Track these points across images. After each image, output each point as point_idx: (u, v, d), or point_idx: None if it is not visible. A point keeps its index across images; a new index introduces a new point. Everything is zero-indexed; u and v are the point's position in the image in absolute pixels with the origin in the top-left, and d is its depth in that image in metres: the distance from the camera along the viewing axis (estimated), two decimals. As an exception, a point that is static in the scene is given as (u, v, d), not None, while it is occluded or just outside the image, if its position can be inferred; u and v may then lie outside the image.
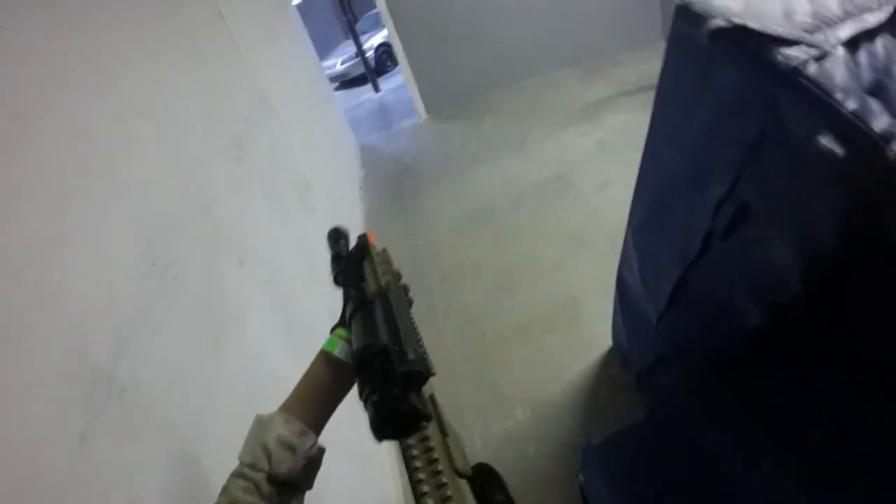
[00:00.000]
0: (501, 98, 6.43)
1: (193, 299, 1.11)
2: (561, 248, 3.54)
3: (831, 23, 1.20)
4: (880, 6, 1.28)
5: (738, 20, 1.16)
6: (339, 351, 0.66)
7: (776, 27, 1.11)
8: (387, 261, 0.72)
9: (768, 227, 1.21)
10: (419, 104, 6.53)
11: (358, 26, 10.12)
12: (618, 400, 2.34)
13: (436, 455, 0.47)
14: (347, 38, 10.40)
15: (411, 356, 0.49)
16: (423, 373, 0.48)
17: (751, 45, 1.13)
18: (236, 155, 1.77)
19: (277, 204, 2.08)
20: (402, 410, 0.46)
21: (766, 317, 1.27)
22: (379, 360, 0.49)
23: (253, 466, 0.58)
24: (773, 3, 1.37)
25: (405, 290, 0.69)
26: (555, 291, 3.17)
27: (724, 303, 1.43)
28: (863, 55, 1.13)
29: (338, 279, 0.71)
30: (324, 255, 0.78)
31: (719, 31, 1.19)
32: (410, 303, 0.68)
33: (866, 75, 1.09)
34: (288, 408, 0.64)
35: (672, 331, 1.74)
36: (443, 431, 0.50)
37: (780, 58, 1.07)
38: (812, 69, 1.04)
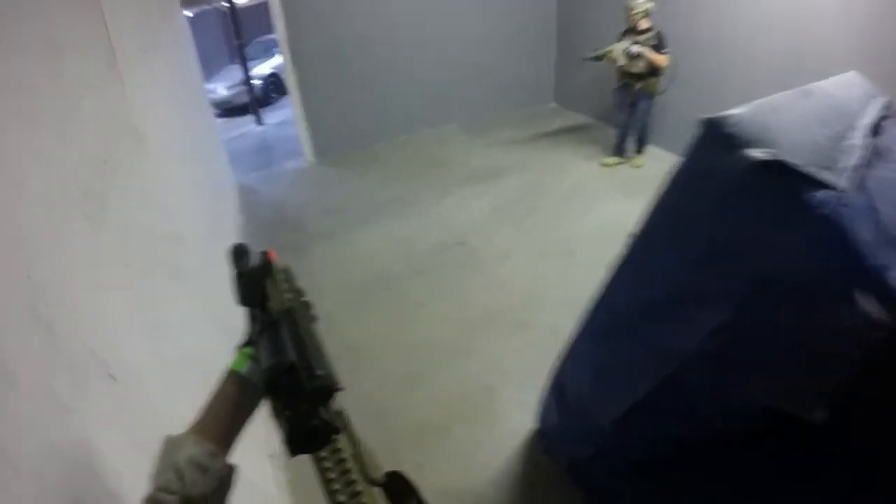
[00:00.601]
0: (393, 148, 6.16)
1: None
2: (468, 326, 3.26)
3: (849, 150, 1.18)
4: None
5: (777, 156, 1.09)
6: (246, 370, 0.66)
7: (809, 166, 1.08)
8: (289, 279, 0.74)
9: (757, 365, 1.26)
10: (306, 145, 5.98)
11: (246, 51, 9.44)
12: (547, 488, 2.28)
13: (349, 465, 0.48)
14: (234, 62, 9.55)
15: (319, 372, 0.51)
16: (331, 387, 0.51)
17: (783, 183, 1.11)
18: (86, 214, 1.21)
19: (146, 282, 1.51)
20: (313, 424, 0.49)
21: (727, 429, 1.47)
22: (288, 378, 0.51)
23: (167, 489, 0.56)
24: (796, 125, 1.29)
25: (308, 306, 0.70)
26: (466, 379, 2.86)
27: (691, 415, 1.52)
28: (873, 182, 1.14)
29: (242, 299, 0.72)
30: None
31: (756, 164, 1.11)
32: (315, 319, 0.69)
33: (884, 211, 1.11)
34: (198, 428, 0.63)
35: (627, 433, 1.75)
36: (353, 442, 0.52)
37: (810, 201, 1.06)
38: (839, 215, 1.04)
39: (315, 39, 5.56)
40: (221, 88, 9.23)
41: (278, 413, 0.50)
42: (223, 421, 0.65)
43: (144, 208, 1.80)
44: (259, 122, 8.32)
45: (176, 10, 4.71)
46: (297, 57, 5.57)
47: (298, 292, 0.72)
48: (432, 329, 3.27)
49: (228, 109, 9.40)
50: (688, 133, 1.41)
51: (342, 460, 0.49)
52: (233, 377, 0.66)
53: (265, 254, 0.75)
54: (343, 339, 3.17)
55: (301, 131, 5.92)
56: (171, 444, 0.61)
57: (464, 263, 3.88)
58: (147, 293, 1.47)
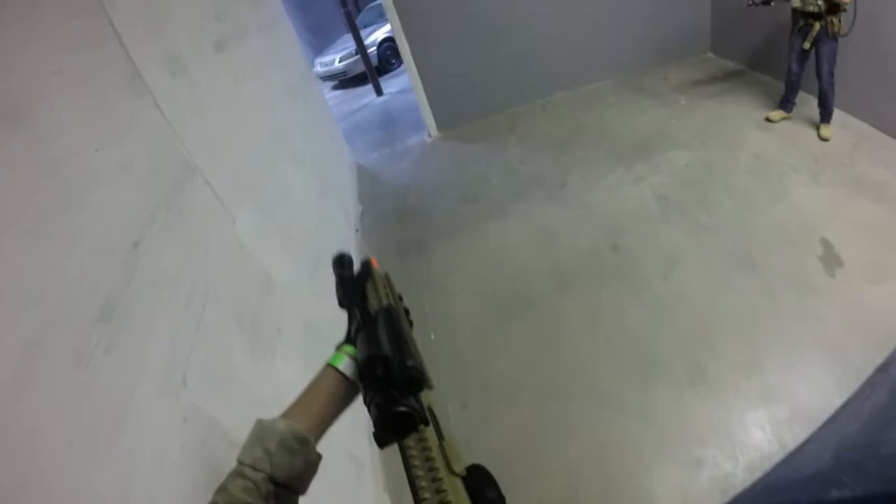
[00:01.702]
0: (528, 116, 5.34)
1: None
2: (622, 368, 2.54)
3: None
4: None
5: None
6: (343, 366, 0.69)
7: None
8: (389, 284, 0.77)
9: None
10: (429, 119, 5.47)
11: (359, 18, 9.07)
12: None
13: (433, 455, 0.50)
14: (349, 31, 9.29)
15: (410, 363, 0.54)
16: (421, 379, 0.54)
17: None
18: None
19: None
20: (401, 411, 0.51)
21: None
22: (381, 369, 0.55)
23: (253, 467, 0.60)
24: None
25: (406, 312, 0.74)
26: (615, 442, 2.20)
27: None
28: None
29: (342, 301, 0.76)
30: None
31: None
32: (411, 324, 0.72)
33: None
34: (290, 415, 0.67)
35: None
36: (439, 435, 0.54)
37: None
38: None
39: (424, 1, 4.93)
40: (336, 60, 8.99)
41: (370, 400, 0.53)
42: (316, 411, 0.68)
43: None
44: (379, 92, 7.96)
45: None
46: (407, 21, 4.97)
47: (398, 297, 0.75)
48: (578, 368, 2.59)
49: (346, 80, 9.19)
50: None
51: (427, 449, 0.50)
52: (329, 371, 0.69)
53: (367, 260, 0.80)
54: (470, 375, 2.64)
55: (421, 103, 5.40)
56: (263, 427, 0.63)
57: (620, 275, 3.09)
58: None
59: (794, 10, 3.75)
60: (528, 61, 5.38)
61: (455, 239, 3.76)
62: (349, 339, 0.71)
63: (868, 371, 2.28)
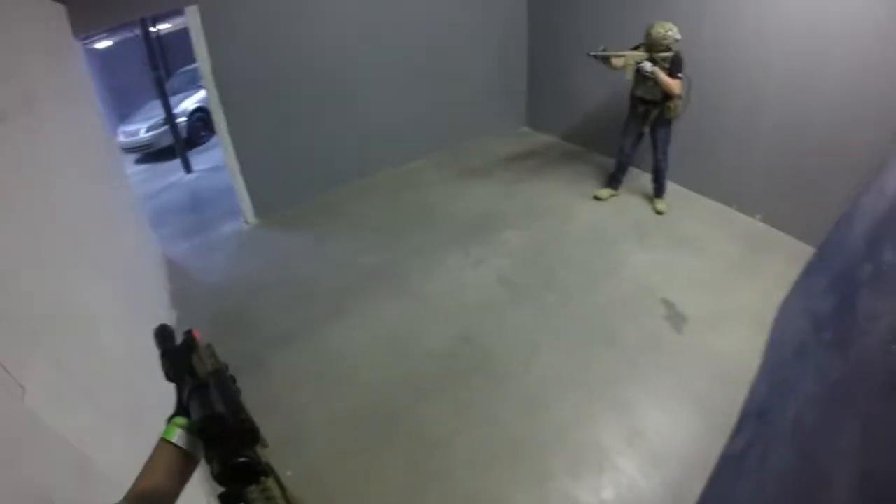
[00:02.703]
0: (354, 198, 5.07)
1: None
2: (510, 472, 2.32)
3: None
4: None
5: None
6: (176, 438, 0.68)
7: None
8: (213, 354, 0.78)
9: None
10: (245, 202, 4.83)
11: (169, 83, 8.15)
12: None
13: (278, 502, 0.55)
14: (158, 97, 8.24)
15: (244, 416, 0.58)
16: (255, 430, 0.58)
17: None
18: None
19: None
20: (242, 462, 0.54)
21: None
22: (218, 426, 0.57)
23: None
24: None
25: (233, 379, 0.74)
26: None
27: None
28: None
29: (169, 374, 0.75)
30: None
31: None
32: (239, 391, 0.71)
33: None
34: (131, 496, 0.65)
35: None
36: (281, 486, 0.58)
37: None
38: None
39: (246, 70, 4.42)
40: (142, 130, 7.88)
41: (211, 457, 0.54)
42: (157, 488, 0.66)
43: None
44: (188, 168, 7.06)
45: (66, 46, 3.51)
46: (225, 92, 4.40)
47: (224, 365, 0.76)
48: (463, 483, 2.30)
49: (154, 153, 8.08)
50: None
51: (271, 499, 0.54)
52: (164, 446, 0.69)
53: (189, 332, 0.81)
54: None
55: (237, 184, 4.76)
56: None
57: (481, 371, 2.90)
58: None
59: (633, 97, 4.07)
60: (351, 139, 5.18)
61: (292, 350, 3.22)
62: (179, 410, 0.72)
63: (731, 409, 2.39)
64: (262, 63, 4.44)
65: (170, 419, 0.71)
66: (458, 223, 4.34)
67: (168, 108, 7.16)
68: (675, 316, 3.20)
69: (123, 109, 8.87)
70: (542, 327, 3.17)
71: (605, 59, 3.90)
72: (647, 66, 3.80)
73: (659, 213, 4.34)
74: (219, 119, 4.51)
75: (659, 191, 4.41)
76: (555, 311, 3.30)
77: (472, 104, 5.81)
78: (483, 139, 5.95)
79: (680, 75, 3.79)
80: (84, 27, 3.78)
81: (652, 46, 3.81)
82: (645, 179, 4.52)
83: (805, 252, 3.74)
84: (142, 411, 1.94)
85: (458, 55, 5.49)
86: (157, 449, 0.69)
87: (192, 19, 4.06)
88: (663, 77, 3.77)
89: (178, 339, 0.82)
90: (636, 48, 3.92)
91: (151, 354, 0.87)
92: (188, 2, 4.00)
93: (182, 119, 7.74)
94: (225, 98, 4.42)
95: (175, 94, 8.00)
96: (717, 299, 3.29)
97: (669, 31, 3.74)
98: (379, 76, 5.08)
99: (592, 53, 3.92)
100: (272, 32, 4.41)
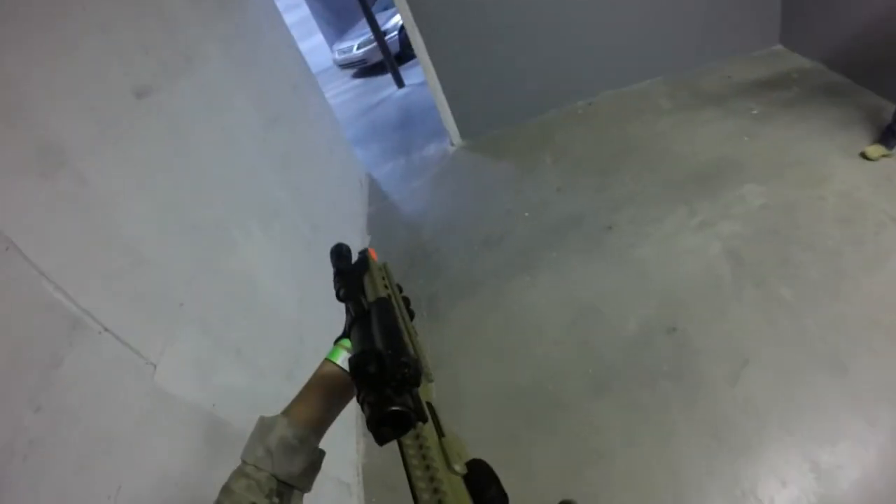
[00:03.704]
0: (567, 125, 4.52)
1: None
2: None
3: None
4: None
5: None
6: (341, 360, 0.70)
7: None
8: (387, 275, 0.76)
9: None
10: (450, 125, 4.70)
11: (379, 1, 8.27)
12: None
13: (432, 453, 0.48)
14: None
15: (404, 359, 0.51)
16: (416, 375, 0.51)
17: None
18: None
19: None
20: (394, 410, 0.48)
21: None
22: (374, 366, 0.51)
23: (256, 466, 0.61)
24: None
25: (406, 301, 0.73)
26: None
27: None
28: None
29: (339, 294, 0.73)
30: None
31: None
32: (412, 315, 0.71)
33: None
34: (290, 412, 0.67)
35: None
36: (439, 432, 0.52)
37: None
38: None
39: None
40: (355, 47, 8.20)
41: (363, 399, 0.51)
42: (315, 407, 0.68)
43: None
44: (400, 83, 7.19)
45: None
46: (419, 10, 4.17)
47: (396, 287, 0.75)
48: None
49: (367, 69, 8.42)
50: None
51: (425, 447, 0.48)
52: (327, 366, 0.70)
53: (365, 251, 0.79)
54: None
55: (440, 106, 4.64)
56: (264, 425, 0.64)
57: (674, 377, 2.36)
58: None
59: None
60: (565, 55, 4.53)
61: (472, 300, 3.08)
62: (346, 334, 0.71)
63: None
64: None
65: (337, 340, 0.73)
66: (685, 168, 3.57)
67: (375, 25, 7.24)
68: None
69: (341, 25, 9.32)
70: (764, 331, 2.43)
71: None
72: None
73: None
74: (415, 39, 4.33)
75: None
76: (784, 311, 2.48)
77: (711, 13, 4.67)
78: (724, 59, 4.78)
79: None
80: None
81: None
82: None
83: None
84: (301, 358, 1.98)
85: None
86: (319, 369, 0.71)
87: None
88: None
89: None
90: None
91: (324, 295, 0.83)
92: None
93: (393, 35, 7.82)
94: (420, 16, 4.20)
95: (385, 9, 8.07)
96: None
97: None
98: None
99: None
100: None
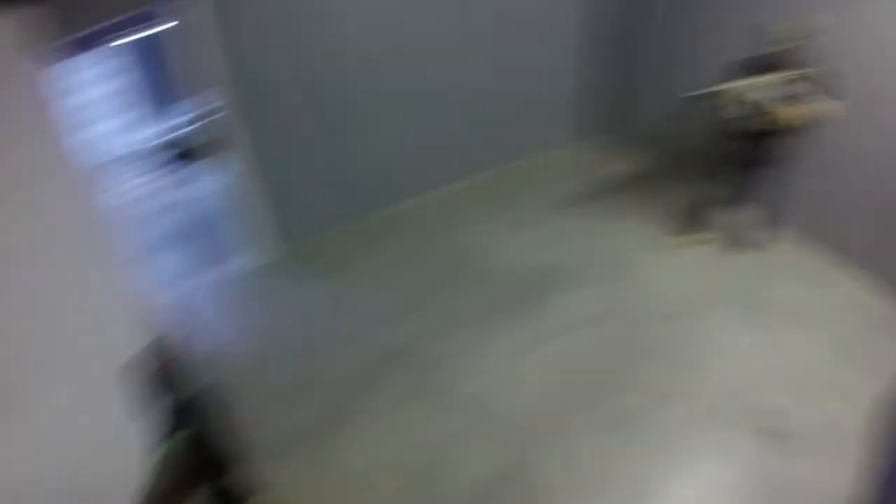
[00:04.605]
0: (380, 232, 4.31)
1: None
2: None
3: None
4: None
5: None
6: (166, 458, 0.80)
7: None
8: (192, 376, 0.85)
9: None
10: (263, 229, 4.16)
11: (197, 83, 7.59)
12: None
13: None
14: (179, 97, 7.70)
15: (209, 448, 0.68)
16: (222, 465, 0.75)
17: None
18: None
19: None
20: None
21: None
22: (185, 461, 0.66)
23: None
24: None
25: (217, 401, 0.77)
26: None
27: None
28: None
29: (153, 396, 0.83)
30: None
31: None
32: (224, 411, 0.79)
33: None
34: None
35: None
36: None
37: None
38: None
39: (258, 75, 3.73)
40: (173, 128, 7.39)
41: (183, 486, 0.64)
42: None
43: None
44: (212, 173, 6.48)
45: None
46: (243, 95, 3.72)
47: (204, 388, 0.81)
48: None
49: (184, 154, 7.57)
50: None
51: None
52: (159, 462, 0.76)
53: (167, 353, 0.87)
54: None
55: (252, 208, 4.08)
56: None
57: None
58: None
59: (745, 124, 3.09)
60: (377, 159, 4.42)
61: (292, 465, 2.51)
62: (166, 432, 0.83)
63: None
64: (277, 66, 3.74)
65: (160, 439, 0.79)
66: (505, 281, 3.53)
67: (190, 109, 6.57)
68: (780, 432, 2.35)
69: (155, 107, 8.42)
70: (623, 450, 2.37)
71: (713, 98, 2.94)
72: (802, 89, 2.82)
73: (760, 266, 3.43)
74: (233, 124, 3.82)
75: (764, 236, 3.50)
76: (636, 422, 2.48)
77: (521, 113, 4.94)
78: (536, 155, 5.09)
79: (837, 96, 2.83)
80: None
81: (786, 57, 2.84)
82: (744, 220, 3.60)
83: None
84: None
85: (505, 55, 4.62)
86: (152, 466, 0.77)
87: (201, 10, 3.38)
88: (822, 104, 2.82)
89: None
90: (754, 63, 2.96)
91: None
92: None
93: (206, 120, 7.16)
94: (241, 103, 3.74)
95: (202, 91, 7.44)
96: (832, 401, 2.49)
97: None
98: (408, 84, 4.28)
99: (692, 95, 2.97)
100: (292, 33, 3.68)
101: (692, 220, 3.72)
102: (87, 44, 4.56)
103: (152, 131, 7.67)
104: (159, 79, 7.98)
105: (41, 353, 1.82)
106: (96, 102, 7.72)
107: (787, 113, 2.88)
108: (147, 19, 4.28)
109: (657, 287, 3.32)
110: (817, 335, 2.85)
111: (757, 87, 2.90)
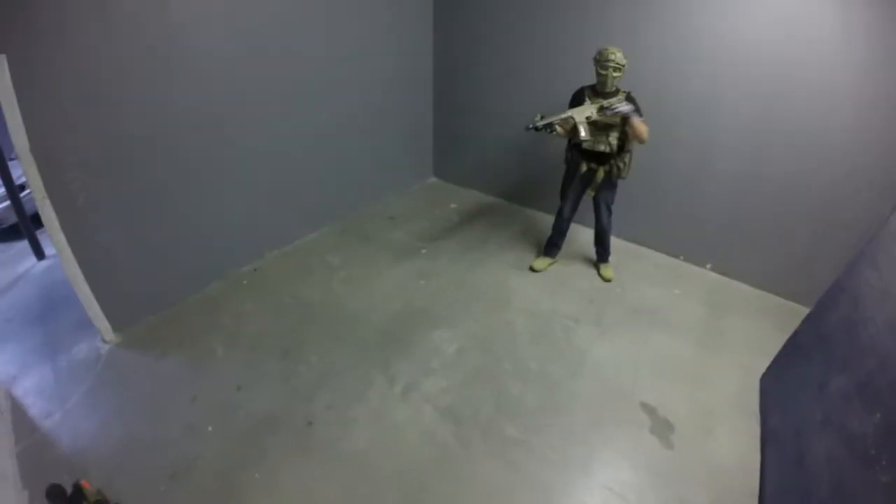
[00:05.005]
0: (235, 297, 4.06)
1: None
2: None
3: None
4: None
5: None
6: None
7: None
8: (103, 496, 0.79)
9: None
10: (97, 314, 3.72)
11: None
12: None
13: None
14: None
15: None
16: None
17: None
18: None
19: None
20: None
21: None
22: None
23: None
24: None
25: None
26: None
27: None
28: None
29: None
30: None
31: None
32: None
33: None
34: None
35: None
36: None
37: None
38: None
39: (79, 145, 3.33)
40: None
41: None
42: None
43: None
44: (39, 254, 5.74)
45: None
46: (51, 174, 3.29)
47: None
48: None
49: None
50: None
51: None
52: None
53: (77, 482, 0.76)
54: None
55: (82, 293, 3.66)
56: None
57: None
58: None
59: (578, 152, 3.39)
60: (225, 218, 4.19)
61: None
62: None
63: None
64: (101, 132, 3.37)
65: None
66: (370, 329, 3.48)
67: (8, 180, 5.78)
68: (662, 425, 2.59)
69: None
70: (512, 476, 2.42)
71: (550, 128, 3.19)
72: (625, 106, 3.11)
73: (607, 280, 3.77)
74: (46, 211, 3.40)
75: (604, 255, 3.85)
76: (521, 449, 2.56)
77: (372, 157, 5.03)
78: (384, 196, 5.16)
79: (642, 118, 3.19)
80: None
81: (604, 86, 3.16)
82: (583, 238, 3.94)
83: (765, 301, 3.35)
84: None
85: (350, 103, 4.67)
86: None
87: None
88: (636, 122, 3.13)
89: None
90: (578, 102, 3.28)
91: None
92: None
93: (20, 196, 6.34)
94: (52, 182, 3.32)
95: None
96: (698, 389, 2.85)
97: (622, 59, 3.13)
98: (249, 136, 4.12)
99: (532, 126, 3.21)
100: (114, 89, 3.33)
101: (547, 244, 3.99)
102: None
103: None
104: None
105: None
106: None
107: (603, 134, 3.23)
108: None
109: (518, 313, 3.48)
110: (674, 330, 3.18)
111: (581, 112, 3.21)
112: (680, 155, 3.81)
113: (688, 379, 2.92)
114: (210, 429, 2.87)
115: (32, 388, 3.53)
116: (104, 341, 3.80)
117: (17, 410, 3.36)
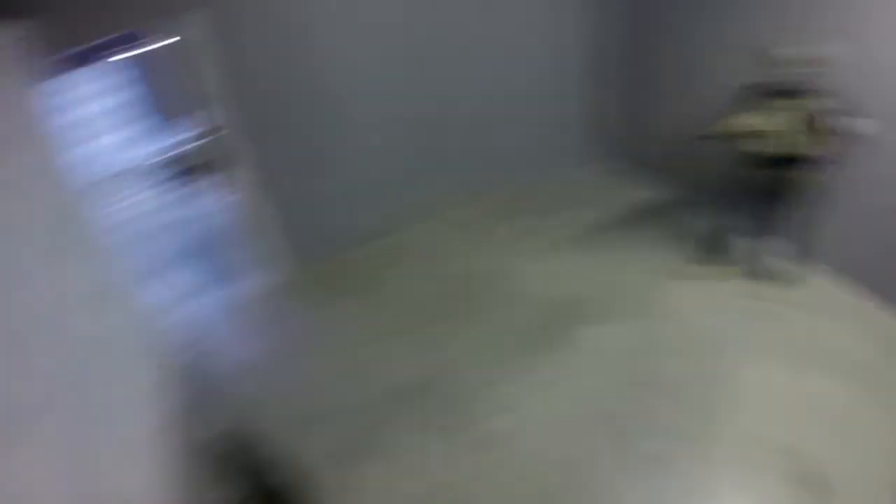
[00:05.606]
0: (388, 256, 4.11)
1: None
2: None
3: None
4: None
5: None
6: None
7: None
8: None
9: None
10: (274, 246, 4.01)
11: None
12: None
13: None
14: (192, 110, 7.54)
15: None
16: None
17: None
18: None
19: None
20: None
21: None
22: None
23: None
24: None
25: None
26: None
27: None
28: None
29: None
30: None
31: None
32: None
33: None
34: None
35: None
36: None
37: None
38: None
39: (269, 89, 3.58)
40: (179, 143, 7.25)
41: None
42: None
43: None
44: (225, 189, 6.33)
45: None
46: (246, 112, 3.56)
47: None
48: None
49: (191, 169, 7.43)
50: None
51: None
52: None
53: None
54: None
55: (261, 226, 3.92)
56: None
57: None
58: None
59: (761, 157, 2.89)
60: (381, 181, 4.22)
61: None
62: None
63: None
64: (277, 82, 3.59)
65: None
66: (519, 312, 3.29)
67: (193, 125, 6.44)
68: (815, 485, 2.10)
69: (163, 121, 8.30)
70: (653, 495, 2.15)
71: (730, 138, 2.78)
72: (832, 122, 2.58)
73: (785, 301, 3.18)
74: (235, 144, 3.66)
75: (788, 271, 3.27)
76: (667, 470, 2.25)
77: (529, 136, 4.74)
78: (547, 179, 4.87)
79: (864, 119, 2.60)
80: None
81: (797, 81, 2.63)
82: (768, 252, 3.38)
83: None
84: None
85: (508, 74, 4.41)
86: None
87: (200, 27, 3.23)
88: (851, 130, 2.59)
89: None
90: (753, 91, 2.77)
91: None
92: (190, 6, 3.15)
93: (211, 136, 7.02)
94: (247, 120, 3.58)
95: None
96: (863, 450, 2.24)
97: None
98: (413, 110, 4.11)
99: (703, 135, 2.84)
100: (288, 49, 3.53)
101: (714, 250, 3.52)
102: (84, 59, 4.44)
103: (156, 147, 7.54)
104: (161, 95, 7.87)
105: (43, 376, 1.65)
106: (97, 118, 7.60)
107: (811, 140, 2.67)
108: (146, 36, 4.17)
109: (681, 321, 3.09)
110: (849, 376, 2.60)
111: (772, 117, 2.70)
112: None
113: (854, 436, 2.31)
114: (355, 381, 2.91)
115: (200, 313, 3.88)
116: (274, 277, 4.09)
117: (177, 333, 3.71)
